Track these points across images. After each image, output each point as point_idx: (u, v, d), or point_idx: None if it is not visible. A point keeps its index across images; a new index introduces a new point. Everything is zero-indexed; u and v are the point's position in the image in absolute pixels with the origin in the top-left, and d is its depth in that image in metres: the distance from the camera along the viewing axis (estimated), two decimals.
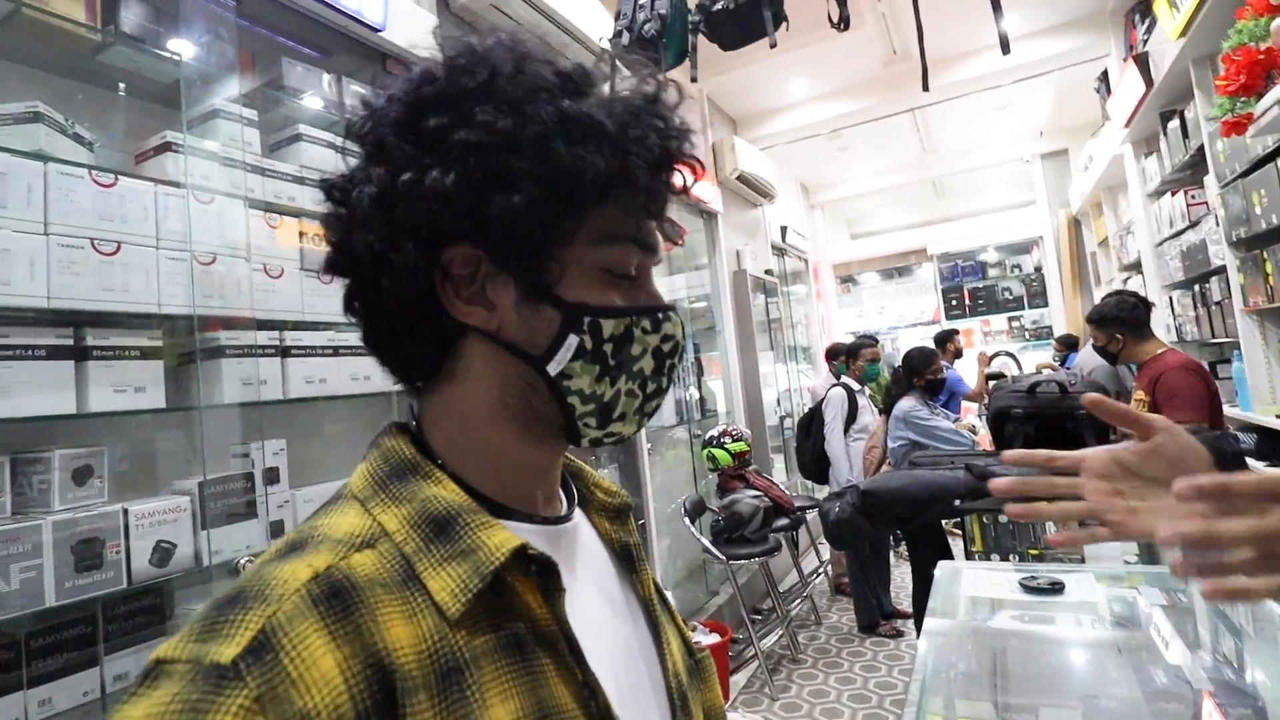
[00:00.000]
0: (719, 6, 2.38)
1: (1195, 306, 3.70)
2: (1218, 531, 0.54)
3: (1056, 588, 1.62)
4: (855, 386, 4.28)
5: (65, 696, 1.28)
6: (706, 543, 3.58)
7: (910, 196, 8.45)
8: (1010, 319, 8.04)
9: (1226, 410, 2.93)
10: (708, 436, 4.09)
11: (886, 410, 3.66)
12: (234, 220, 1.66)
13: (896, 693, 3.28)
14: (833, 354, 4.87)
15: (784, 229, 6.45)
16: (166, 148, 1.57)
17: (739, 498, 3.77)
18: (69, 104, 1.51)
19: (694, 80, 2.58)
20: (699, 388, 4.52)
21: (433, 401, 0.53)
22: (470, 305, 0.49)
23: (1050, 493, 0.66)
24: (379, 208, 0.46)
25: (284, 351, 1.74)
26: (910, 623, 3.79)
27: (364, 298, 0.51)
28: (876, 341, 4.61)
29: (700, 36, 2.49)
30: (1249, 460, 2.68)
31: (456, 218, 0.46)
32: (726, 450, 3.96)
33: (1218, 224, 3.14)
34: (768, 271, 5.84)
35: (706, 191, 4.57)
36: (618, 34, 2.53)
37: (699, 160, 0.53)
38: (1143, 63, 3.69)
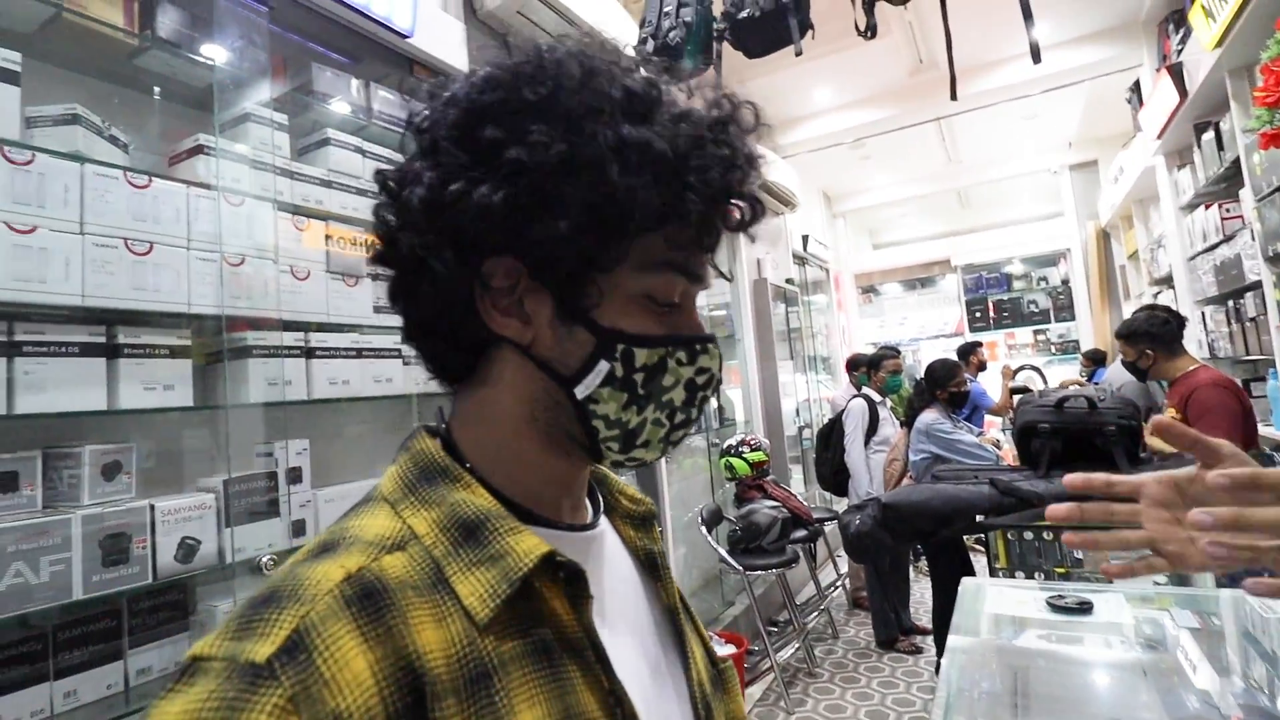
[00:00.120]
0: (745, 14, 2.38)
1: (1229, 322, 3.63)
2: (1246, 517, 0.54)
3: (1085, 607, 1.58)
4: (876, 398, 4.24)
5: (90, 689, 1.30)
6: (723, 552, 3.56)
7: (934, 206, 8.38)
8: (1036, 332, 7.93)
9: (1261, 429, 2.87)
10: (726, 445, 4.07)
11: (908, 423, 3.62)
12: (263, 222, 1.68)
13: (915, 710, 3.23)
14: (854, 365, 4.83)
15: (805, 238, 6.43)
16: (199, 150, 1.60)
17: (757, 508, 3.74)
18: (105, 106, 1.54)
19: None
20: (717, 396, 4.50)
21: (464, 405, 0.53)
22: (506, 317, 0.48)
23: (1107, 520, 0.63)
24: (425, 212, 0.46)
25: (309, 352, 1.76)
26: (929, 639, 3.73)
27: (405, 294, 0.51)
28: (899, 353, 4.57)
29: (725, 44, 2.49)
30: None
31: (501, 233, 0.45)
32: (744, 460, 3.94)
33: (1253, 238, 3.07)
34: (789, 280, 5.82)
35: None
36: (642, 41, 2.53)
37: (759, 200, 0.51)
38: (1176, 73, 3.63)
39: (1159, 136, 4.16)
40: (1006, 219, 8.38)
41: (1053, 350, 7.78)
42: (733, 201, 0.49)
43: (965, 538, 3.41)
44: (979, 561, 3.87)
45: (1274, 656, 1.37)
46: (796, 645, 3.79)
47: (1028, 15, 2.15)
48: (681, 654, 0.57)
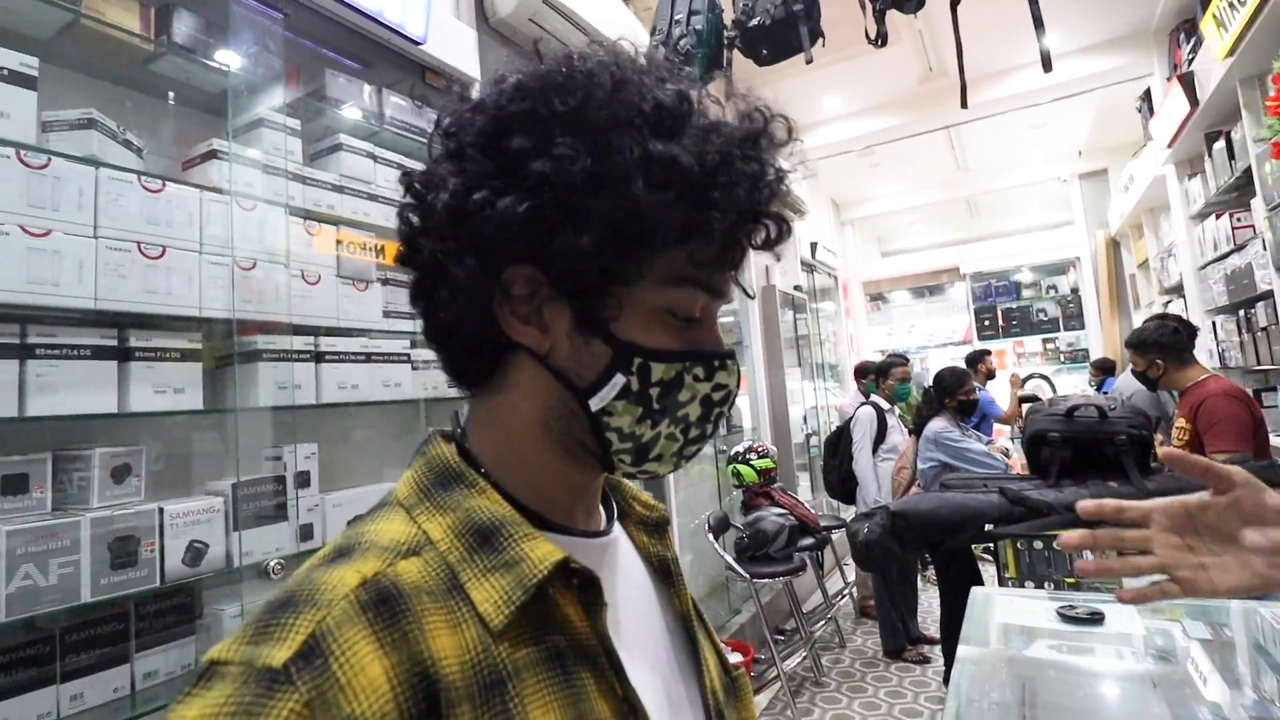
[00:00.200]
0: (755, 22, 2.38)
1: (1240, 332, 3.60)
2: None
3: (1096, 618, 1.57)
4: (884, 405, 4.23)
5: (96, 692, 1.30)
6: (730, 560, 3.54)
7: (943, 214, 8.37)
8: (1045, 341, 7.90)
9: (1273, 440, 2.84)
10: (733, 452, 4.06)
11: (917, 431, 3.61)
12: (274, 227, 1.69)
13: None
14: (862, 372, 4.82)
15: (814, 245, 6.42)
16: (212, 155, 1.61)
17: (764, 515, 3.73)
18: (120, 111, 1.55)
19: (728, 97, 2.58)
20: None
21: (480, 410, 0.53)
22: (525, 325, 0.48)
23: (1117, 546, 0.64)
24: (449, 218, 0.46)
25: (318, 357, 1.77)
26: (937, 649, 3.71)
27: (426, 297, 0.51)
28: (907, 361, 4.55)
29: (735, 52, 2.50)
30: None
31: (522, 243, 0.45)
32: (752, 467, 3.93)
33: (1265, 248, 3.05)
34: (796, 287, 5.81)
35: None
36: (654, 49, 2.54)
37: (785, 219, 0.50)
38: (1188, 82, 3.62)
39: (1170, 145, 4.14)
40: (1015, 227, 8.36)
41: (1062, 359, 7.74)
42: (758, 221, 0.48)
43: (973, 547, 3.39)
44: (987, 571, 3.85)
45: None
46: (803, 654, 3.77)
47: (1039, 24, 2.15)
48: (694, 661, 0.56)
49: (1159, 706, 1.30)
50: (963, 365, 4.18)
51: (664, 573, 0.59)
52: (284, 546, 1.61)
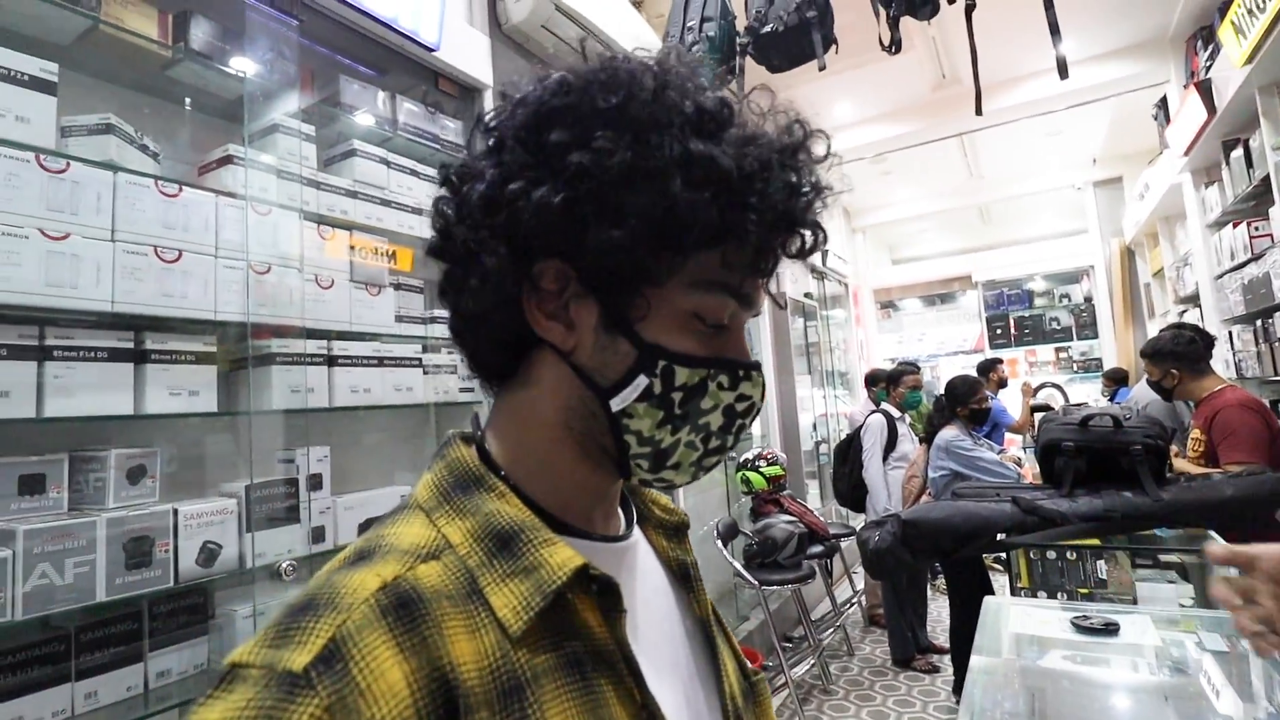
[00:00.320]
0: (768, 29, 2.39)
1: (1257, 342, 3.56)
2: None
3: (1110, 628, 1.55)
4: (895, 414, 4.21)
5: (110, 690, 1.31)
6: (739, 566, 3.53)
7: (955, 222, 8.32)
8: (1058, 349, 7.82)
9: None
10: (742, 459, 4.05)
11: (928, 439, 3.59)
12: (289, 232, 1.70)
13: None
14: (872, 380, 4.80)
15: (825, 252, 6.39)
16: (228, 160, 1.63)
17: (773, 522, 3.72)
18: (138, 117, 1.57)
19: None
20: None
21: (502, 407, 0.53)
22: (551, 320, 0.48)
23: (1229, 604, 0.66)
24: (483, 207, 0.47)
25: (331, 360, 1.78)
26: (946, 658, 3.67)
27: (455, 288, 0.51)
28: (918, 369, 4.53)
29: (747, 58, 2.50)
30: None
31: (555, 235, 0.45)
32: (761, 474, 3.92)
33: None
34: (807, 295, 5.80)
35: None
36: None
37: (822, 229, 0.50)
38: (1205, 90, 3.60)
39: (1186, 153, 4.11)
40: (1029, 235, 8.29)
41: (1075, 368, 7.66)
42: (794, 229, 0.48)
43: (984, 556, 3.36)
44: (998, 581, 3.81)
45: None
46: (811, 662, 3.75)
47: (1055, 31, 2.14)
48: (714, 666, 0.56)
49: (1172, 719, 1.29)
50: (974, 374, 4.16)
51: (684, 577, 0.59)
52: (296, 548, 1.62)
